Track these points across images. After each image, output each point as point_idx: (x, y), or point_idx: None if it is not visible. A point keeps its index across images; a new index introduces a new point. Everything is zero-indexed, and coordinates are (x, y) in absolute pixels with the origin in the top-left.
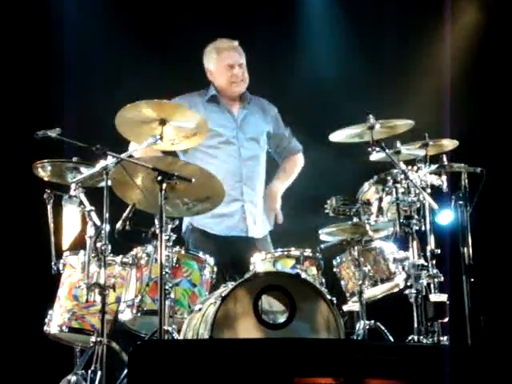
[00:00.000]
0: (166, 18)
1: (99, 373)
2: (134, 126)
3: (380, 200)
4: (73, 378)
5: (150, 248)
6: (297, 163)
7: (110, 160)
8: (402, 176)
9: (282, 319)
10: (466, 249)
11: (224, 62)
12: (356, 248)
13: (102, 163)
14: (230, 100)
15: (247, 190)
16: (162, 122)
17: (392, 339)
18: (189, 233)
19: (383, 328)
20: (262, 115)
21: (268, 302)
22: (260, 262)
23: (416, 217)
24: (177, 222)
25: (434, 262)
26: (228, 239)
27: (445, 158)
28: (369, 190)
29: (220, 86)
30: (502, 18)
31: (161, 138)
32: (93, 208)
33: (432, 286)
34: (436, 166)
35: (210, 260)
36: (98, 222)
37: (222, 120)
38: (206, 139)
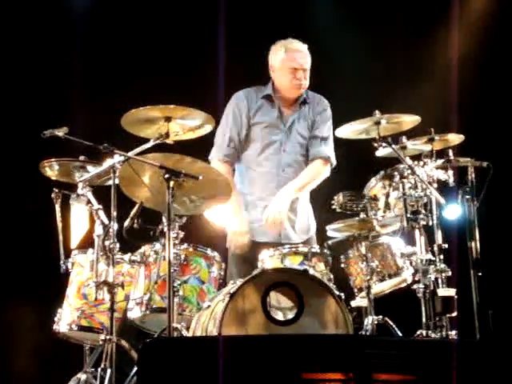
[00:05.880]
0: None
1: (109, 371)
2: (140, 124)
3: (387, 195)
4: (82, 377)
5: (158, 246)
6: (313, 169)
7: (117, 158)
8: (409, 171)
9: (290, 315)
10: (473, 243)
11: (290, 63)
12: (363, 244)
13: (109, 162)
14: (284, 101)
15: None
16: (168, 119)
17: (400, 334)
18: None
19: (391, 323)
20: (310, 117)
21: (276, 299)
22: (268, 259)
23: (423, 212)
24: (184, 220)
25: (442, 256)
26: (258, 245)
27: (451, 153)
28: (376, 186)
29: (278, 85)
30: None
31: (167, 136)
32: (100, 206)
33: (440, 280)
34: (442, 160)
35: (218, 257)
36: (106, 221)
37: (270, 121)
38: (253, 141)
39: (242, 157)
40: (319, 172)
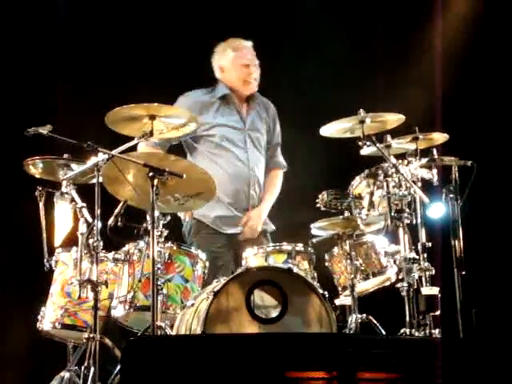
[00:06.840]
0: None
1: (92, 369)
2: (124, 122)
3: (371, 194)
4: (66, 375)
5: (141, 244)
6: (278, 181)
7: (101, 156)
8: (393, 170)
9: (274, 314)
10: (457, 242)
11: (241, 60)
12: (347, 242)
13: (93, 160)
14: (239, 100)
15: (253, 195)
16: (152, 118)
17: (384, 332)
18: (195, 231)
19: (375, 321)
20: (265, 116)
21: (260, 297)
22: (252, 257)
23: (407, 210)
24: (168, 218)
25: (426, 255)
26: (233, 236)
27: (435, 152)
28: (360, 184)
29: (232, 84)
30: (494, 8)
31: (151, 134)
32: (84, 205)
33: (423, 279)
34: (426, 159)
35: (202, 255)
36: (90, 219)
37: (231, 122)
38: (215, 140)
39: (212, 157)
40: (281, 181)
